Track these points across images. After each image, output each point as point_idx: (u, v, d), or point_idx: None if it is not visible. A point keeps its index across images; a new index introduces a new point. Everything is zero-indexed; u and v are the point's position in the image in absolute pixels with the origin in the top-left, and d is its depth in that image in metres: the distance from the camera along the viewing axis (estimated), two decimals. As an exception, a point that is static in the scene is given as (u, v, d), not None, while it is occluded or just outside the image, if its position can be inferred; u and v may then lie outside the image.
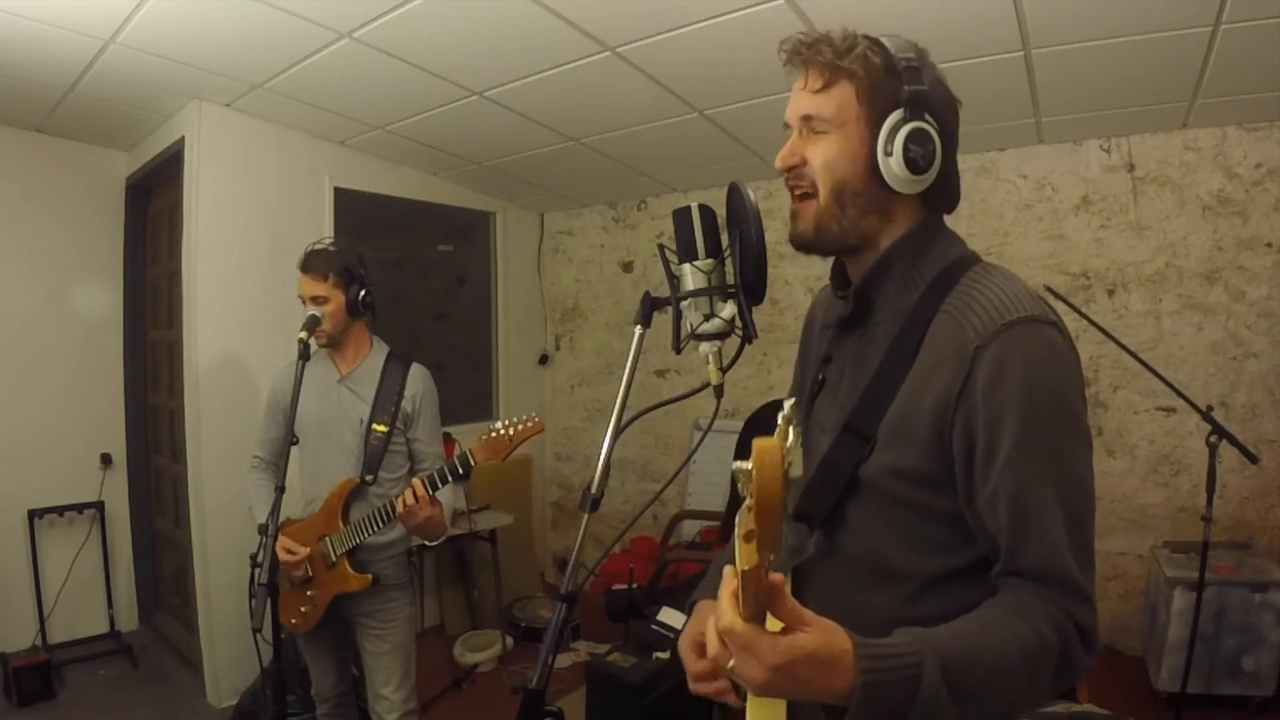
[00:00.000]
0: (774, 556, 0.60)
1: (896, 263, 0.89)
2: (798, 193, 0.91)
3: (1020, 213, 3.20)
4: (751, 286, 1.03)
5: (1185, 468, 2.94)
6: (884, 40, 0.87)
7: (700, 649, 0.96)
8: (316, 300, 1.95)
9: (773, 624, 0.65)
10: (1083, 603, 0.76)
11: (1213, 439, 2.20)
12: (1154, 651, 2.70)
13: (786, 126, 0.92)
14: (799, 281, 3.77)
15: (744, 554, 0.59)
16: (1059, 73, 2.39)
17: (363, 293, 1.99)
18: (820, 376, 1.00)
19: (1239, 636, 2.51)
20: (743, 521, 0.61)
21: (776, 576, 0.62)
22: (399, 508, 1.79)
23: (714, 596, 1.01)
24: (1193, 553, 2.50)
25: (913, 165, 0.84)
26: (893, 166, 0.84)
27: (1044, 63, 2.33)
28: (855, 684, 0.63)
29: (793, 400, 0.60)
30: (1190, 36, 2.12)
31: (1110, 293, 3.06)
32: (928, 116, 0.85)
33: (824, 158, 0.87)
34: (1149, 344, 2.93)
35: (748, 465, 0.56)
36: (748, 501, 0.60)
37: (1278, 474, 2.79)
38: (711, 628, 0.66)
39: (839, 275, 0.98)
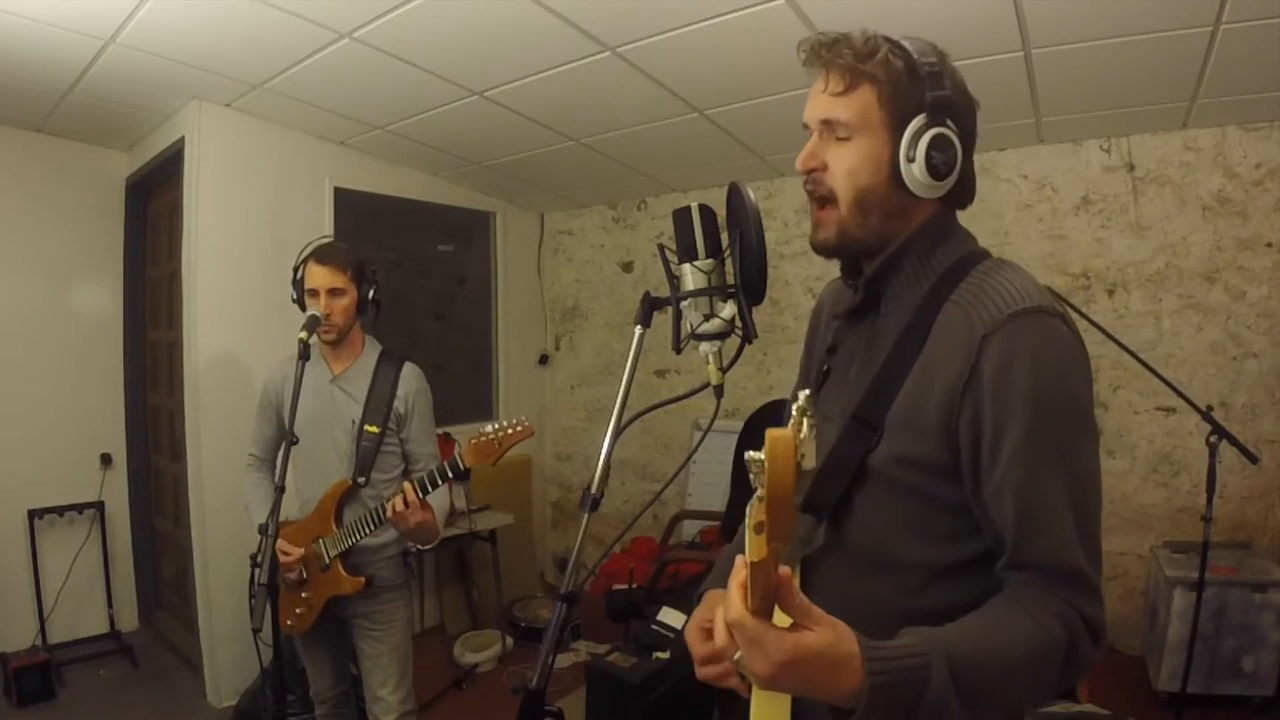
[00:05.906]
0: (785, 548, 0.59)
1: (909, 255, 0.89)
2: (817, 196, 0.89)
3: (1020, 213, 3.20)
4: (751, 286, 1.03)
5: (1185, 468, 2.94)
6: (906, 43, 0.85)
7: (707, 634, 0.96)
8: (334, 292, 1.93)
9: (781, 619, 0.64)
10: (1090, 595, 0.75)
11: (1213, 439, 2.20)
12: (1154, 651, 2.70)
13: (806, 128, 0.90)
14: (799, 281, 3.77)
15: (753, 545, 0.59)
16: (1059, 73, 2.39)
17: (371, 292, 2.01)
18: (825, 367, 1.00)
19: (1239, 636, 2.51)
20: (753, 512, 0.60)
21: (785, 571, 0.61)
22: (389, 512, 1.78)
23: (724, 586, 1.01)
24: (1193, 553, 2.50)
25: (934, 171, 0.84)
26: (915, 173, 0.84)
27: (1044, 63, 2.33)
28: (863, 687, 0.63)
29: (807, 391, 0.59)
30: (1190, 36, 2.12)
31: (1110, 293, 3.06)
32: (949, 122, 0.84)
33: (846, 165, 0.85)
34: (1149, 344, 2.93)
35: (760, 455, 0.54)
36: (759, 492, 0.59)
37: (1278, 474, 2.79)
38: (720, 619, 0.66)
39: (850, 265, 0.97)
